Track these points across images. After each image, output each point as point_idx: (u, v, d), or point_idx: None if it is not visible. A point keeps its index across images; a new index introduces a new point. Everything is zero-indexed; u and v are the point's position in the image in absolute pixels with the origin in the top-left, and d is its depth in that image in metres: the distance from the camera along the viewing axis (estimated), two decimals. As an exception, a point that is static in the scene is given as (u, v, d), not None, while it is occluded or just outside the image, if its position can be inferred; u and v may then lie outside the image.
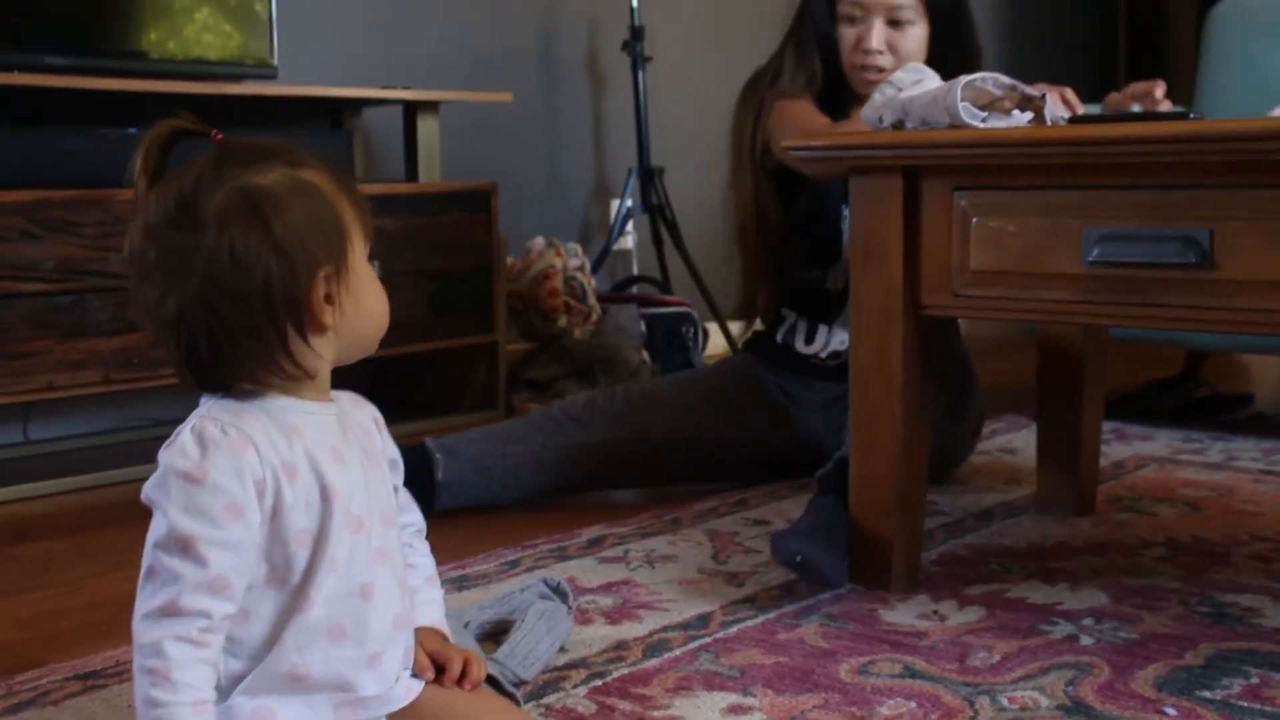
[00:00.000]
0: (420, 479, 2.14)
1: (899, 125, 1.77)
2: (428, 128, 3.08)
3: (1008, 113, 1.73)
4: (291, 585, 1.13)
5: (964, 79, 1.68)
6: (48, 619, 1.72)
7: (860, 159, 1.75)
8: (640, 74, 3.69)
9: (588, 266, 3.37)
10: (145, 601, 1.07)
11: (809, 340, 2.36)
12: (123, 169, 2.44)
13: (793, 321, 2.40)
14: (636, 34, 3.67)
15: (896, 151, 1.71)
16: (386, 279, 2.71)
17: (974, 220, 1.68)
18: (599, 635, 1.63)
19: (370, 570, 1.17)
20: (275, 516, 1.10)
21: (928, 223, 1.73)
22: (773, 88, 2.30)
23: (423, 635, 1.26)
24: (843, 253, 2.30)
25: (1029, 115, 1.73)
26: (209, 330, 1.10)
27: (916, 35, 2.23)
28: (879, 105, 1.79)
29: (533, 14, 3.71)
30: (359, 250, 1.17)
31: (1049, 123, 1.71)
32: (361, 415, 1.25)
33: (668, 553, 1.99)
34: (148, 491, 1.10)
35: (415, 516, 1.34)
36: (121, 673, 1.50)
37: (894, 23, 2.22)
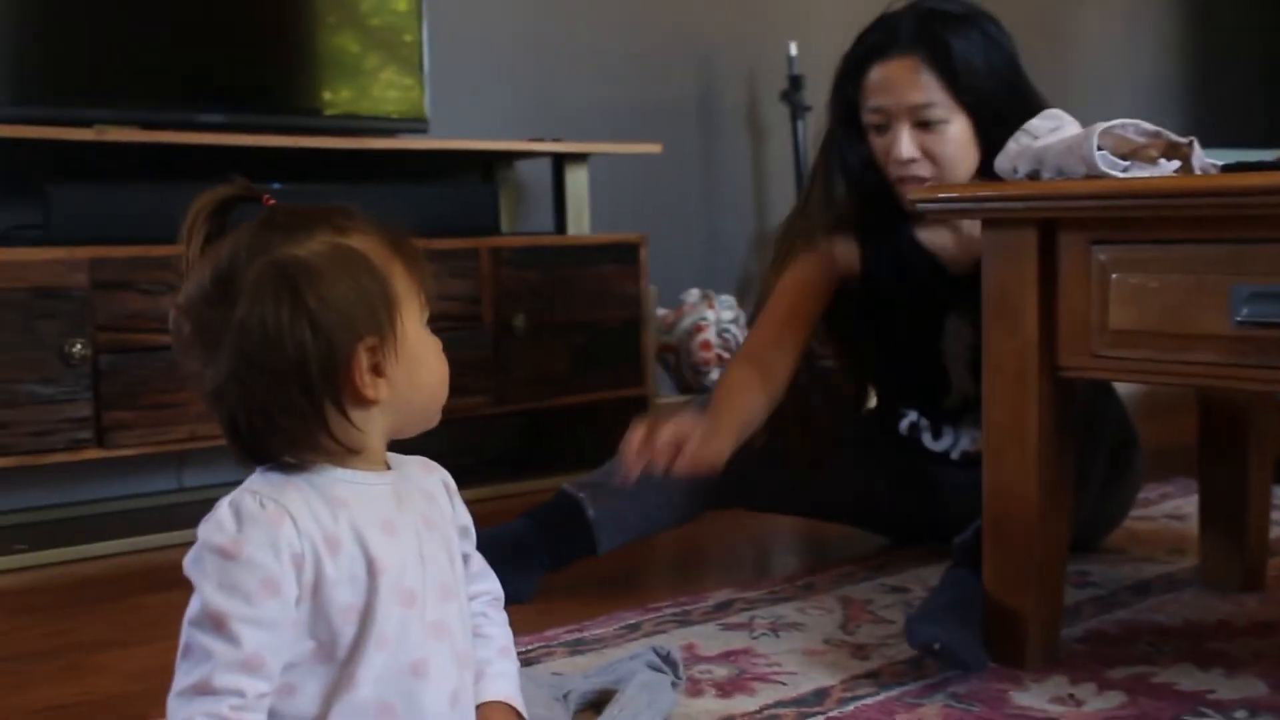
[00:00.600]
0: (571, 525, 2.06)
1: (1034, 175, 1.67)
2: (577, 179, 3.07)
3: (1153, 161, 1.62)
4: (338, 661, 1.10)
5: (1101, 126, 1.58)
6: (162, 673, 1.72)
7: (993, 211, 1.66)
8: (799, 124, 3.63)
9: (742, 319, 3.31)
10: (179, 679, 1.05)
11: (936, 436, 2.23)
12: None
13: (915, 418, 2.25)
14: (795, 83, 3.62)
15: (1030, 203, 1.61)
16: (533, 332, 2.74)
17: (1114, 276, 1.57)
18: (706, 709, 1.56)
19: (424, 646, 1.13)
20: (317, 592, 1.07)
21: (1065, 278, 1.63)
22: (793, 226, 2.14)
23: (491, 711, 1.22)
24: (950, 370, 2.15)
25: (1175, 164, 1.61)
26: (246, 407, 1.07)
27: (954, 133, 1.97)
28: (1013, 155, 1.70)
29: (689, 65, 3.68)
30: (413, 317, 1.13)
31: (1197, 171, 1.60)
32: (429, 482, 1.22)
33: (795, 620, 1.91)
34: (186, 566, 1.08)
35: (490, 585, 1.30)
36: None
37: (923, 124, 1.97)
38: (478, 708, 1.21)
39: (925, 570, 2.15)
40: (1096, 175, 1.58)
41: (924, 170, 1.99)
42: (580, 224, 3.09)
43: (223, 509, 1.07)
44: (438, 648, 1.14)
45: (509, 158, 3.16)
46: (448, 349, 2.68)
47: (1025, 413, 1.66)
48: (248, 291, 1.06)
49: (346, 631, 1.08)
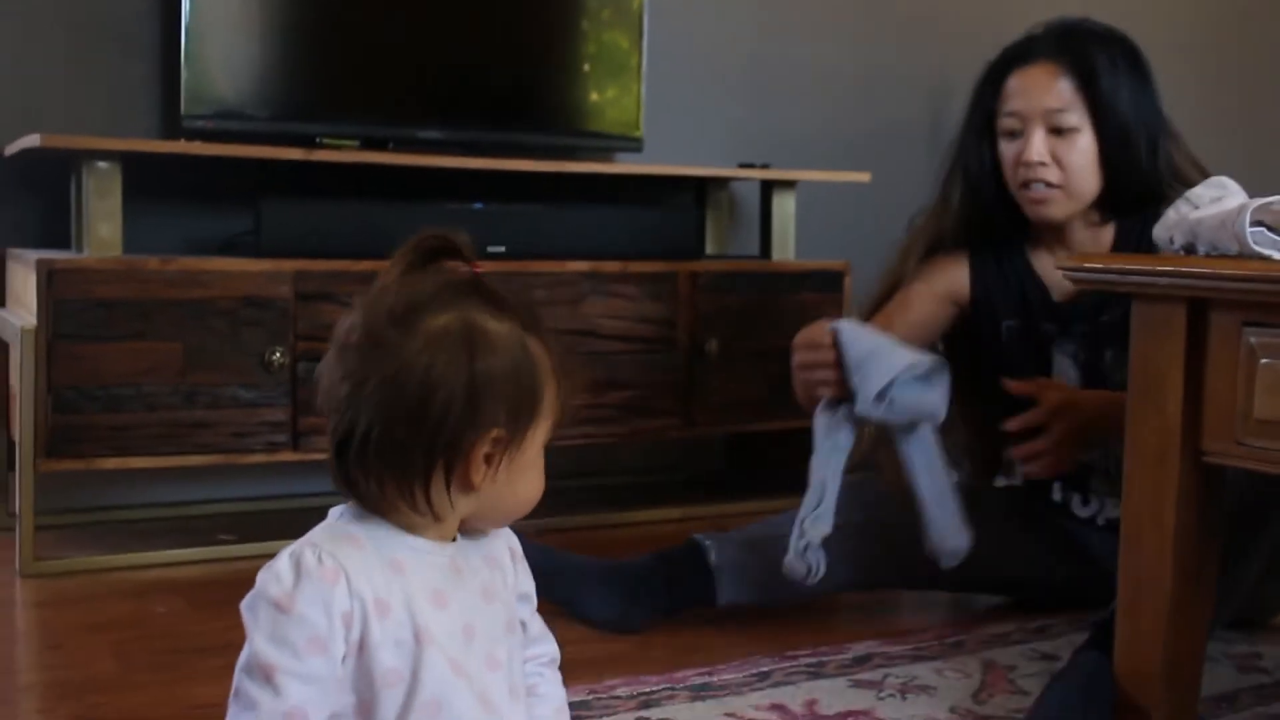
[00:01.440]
0: (693, 570, 2.08)
1: (1190, 248, 1.59)
2: (783, 205, 3.06)
3: (1323, 240, 1.51)
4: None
5: (1258, 201, 1.49)
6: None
7: (1140, 286, 1.58)
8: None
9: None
10: None
11: (1085, 502, 2.14)
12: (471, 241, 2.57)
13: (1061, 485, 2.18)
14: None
15: (1177, 280, 1.53)
16: (727, 356, 2.75)
17: (1262, 362, 1.48)
18: (797, 776, 1.55)
19: (472, 715, 1.14)
20: (361, 651, 1.10)
21: (1213, 360, 1.54)
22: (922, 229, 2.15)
23: (546, 767, 1.24)
24: None
25: (1344, 244, 1.51)
26: (367, 431, 1.10)
27: (1084, 145, 1.99)
28: (1171, 224, 1.62)
29: (917, 90, 3.60)
30: (540, 433, 1.16)
31: (1365, 254, 1.49)
32: (494, 546, 1.23)
33: (929, 682, 1.87)
34: (243, 610, 1.12)
35: (548, 647, 1.31)
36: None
37: (1056, 130, 1.98)
38: (534, 765, 1.24)
39: (1081, 638, 2.06)
40: (1249, 254, 1.49)
41: (1052, 175, 2.00)
42: (785, 249, 3.08)
43: (283, 560, 1.11)
44: (485, 718, 1.17)
45: (721, 181, 3.17)
46: (642, 370, 2.74)
47: (1164, 496, 1.58)
48: (431, 332, 1.09)
49: (387, 695, 1.11)
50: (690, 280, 2.83)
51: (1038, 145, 1.98)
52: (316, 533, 1.15)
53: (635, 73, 3.02)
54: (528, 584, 1.26)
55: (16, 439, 2.39)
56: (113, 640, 2.02)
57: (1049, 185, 2.00)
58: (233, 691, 1.11)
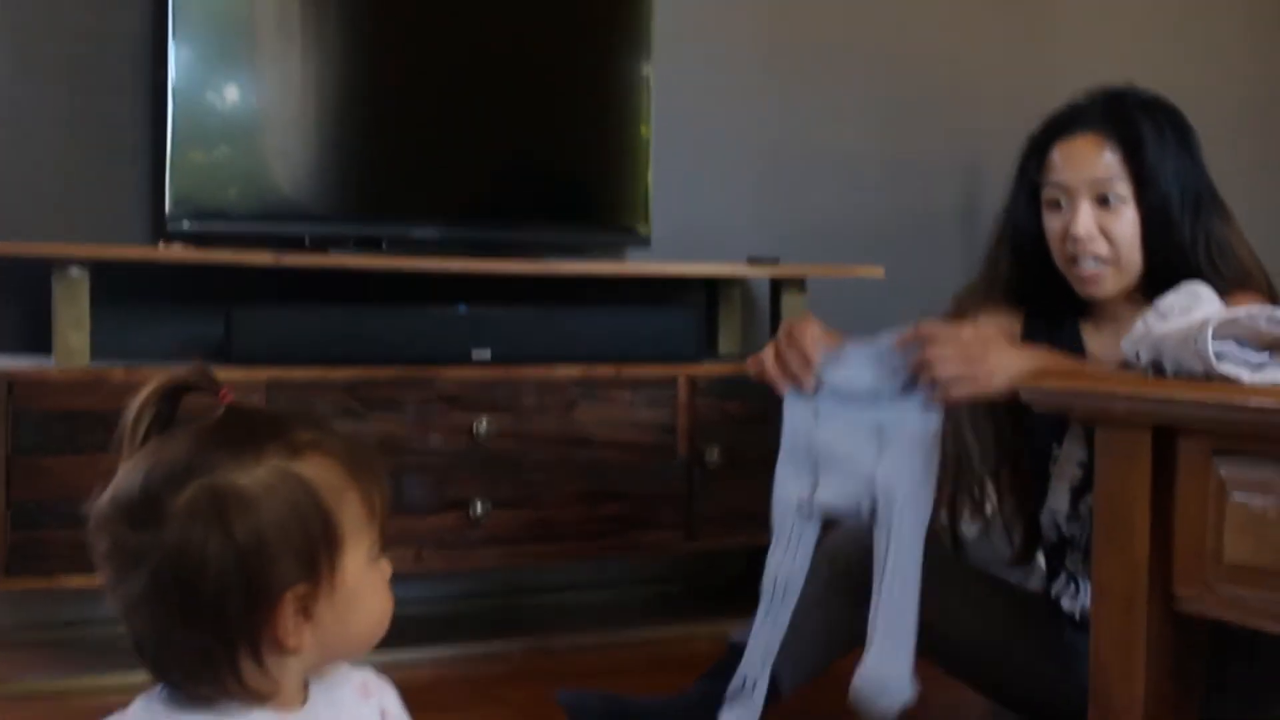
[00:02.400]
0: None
1: (1157, 366, 1.43)
2: (792, 303, 2.93)
3: (1304, 357, 1.35)
4: None
5: (1219, 316, 1.33)
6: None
7: (1097, 412, 1.42)
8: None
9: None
10: None
11: (1075, 595, 1.96)
12: (450, 347, 2.46)
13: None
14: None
15: (1134, 405, 1.37)
16: (729, 465, 2.62)
17: (1233, 497, 1.32)
18: None
19: None
20: None
21: (1182, 494, 1.37)
22: (967, 294, 2.05)
23: None
24: (1054, 486, 1.95)
25: (1330, 363, 1.34)
26: (154, 636, 1.00)
27: (1132, 217, 1.88)
28: (1137, 339, 1.46)
29: (925, 182, 3.46)
30: (358, 554, 1.04)
31: (1349, 375, 1.32)
32: (362, 711, 1.12)
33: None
34: None
35: None
36: None
37: (1103, 202, 1.88)
38: None
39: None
40: (1215, 376, 1.33)
41: (1101, 248, 1.91)
42: (797, 350, 2.93)
43: None
44: None
45: (735, 278, 3.05)
46: (640, 479, 2.57)
47: (1133, 647, 1.41)
48: (176, 516, 0.98)
49: None
50: (690, 384, 2.70)
51: (1084, 219, 1.89)
52: (132, 710, 1.03)
53: (644, 167, 2.92)
54: None
55: (-25, 555, 2.31)
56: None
57: (1098, 260, 1.91)
58: None
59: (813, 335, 1.84)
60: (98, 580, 1.03)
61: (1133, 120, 1.90)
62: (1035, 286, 2.02)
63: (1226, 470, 1.32)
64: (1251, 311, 1.34)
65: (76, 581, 2.31)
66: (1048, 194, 1.94)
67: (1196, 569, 1.36)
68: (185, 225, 2.58)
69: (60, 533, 2.29)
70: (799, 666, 1.92)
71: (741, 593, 3.08)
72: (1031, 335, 2.03)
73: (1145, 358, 1.44)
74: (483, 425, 2.53)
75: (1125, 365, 1.50)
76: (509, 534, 2.56)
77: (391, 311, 2.58)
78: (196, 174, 2.60)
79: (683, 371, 2.70)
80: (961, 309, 2.08)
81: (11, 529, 2.26)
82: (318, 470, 1.02)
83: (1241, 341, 1.36)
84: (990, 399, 1.77)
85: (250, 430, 1.02)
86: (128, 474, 1.01)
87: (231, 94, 2.65)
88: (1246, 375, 1.33)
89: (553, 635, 2.69)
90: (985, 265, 2.09)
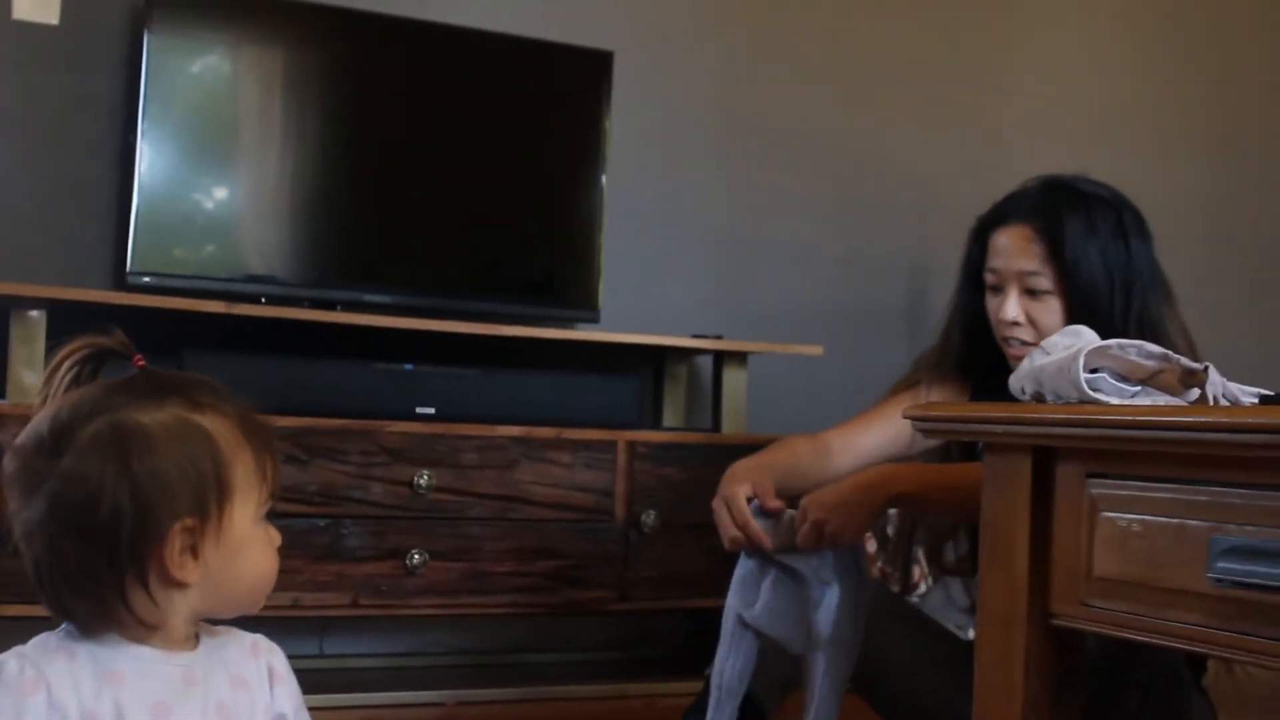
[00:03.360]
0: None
1: (1039, 397, 1.51)
2: (734, 379, 3.02)
3: (1175, 391, 1.44)
4: None
5: (1091, 345, 1.42)
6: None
7: (983, 434, 1.50)
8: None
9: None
10: None
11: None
12: (396, 403, 2.54)
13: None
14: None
15: (1012, 428, 1.45)
16: (666, 530, 2.70)
17: (1101, 515, 1.39)
18: None
19: None
20: None
21: (1060, 514, 1.44)
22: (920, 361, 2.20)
23: None
24: None
25: (1195, 393, 1.43)
26: (49, 559, 1.07)
27: (1056, 307, 2.00)
28: (1023, 374, 1.54)
29: (874, 272, 3.58)
30: (247, 507, 1.12)
31: (1211, 402, 1.40)
32: (250, 667, 1.18)
33: None
34: None
35: None
36: None
37: (1030, 291, 2.00)
38: None
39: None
40: (1088, 401, 1.41)
41: (1027, 335, 2.03)
42: (737, 422, 3.02)
43: None
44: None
45: (682, 352, 3.14)
46: (576, 539, 2.68)
47: (1012, 663, 1.47)
48: (80, 445, 1.06)
49: None
50: (629, 450, 2.78)
51: (1011, 306, 2.02)
52: (31, 643, 1.11)
53: (596, 249, 3.03)
54: (286, 705, 1.20)
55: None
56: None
57: (1023, 343, 2.02)
58: None
59: (740, 505, 1.97)
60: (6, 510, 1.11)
61: (1060, 214, 2.00)
62: (982, 358, 2.13)
63: (1098, 490, 1.40)
64: (1122, 343, 1.43)
65: (14, 610, 2.35)
66: (987, 278, 2.07)
67: (1071, 586, 1.43)
68: (145, 280, 2.66)
69: (4, 562, 2.33)
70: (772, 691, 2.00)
71: (675, 658, 3.15)
72: (979, 397, 2.15)
73: (1029, 390, 1.52)
74: (424, 479, 2.59)
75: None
76: (445, 585, 2.61)
77: (340, 366, 2.66)
78: (160, 233, 2.69)
79: (623, 436, 2.78)
80: (918, 374, 2.22)
81: (-47, 558, 2.30)
82: (215, 425, 1.10)
83: (1117, 375, 1.44)
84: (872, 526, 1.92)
85: (157, 385, 1.11)
86: (44, 413, 1.10)
87: (198, 162, 2.75)
88: (1117, 401, 1.41)
89: (487, 689, 2.73)
90: (940, 338, 2.22)
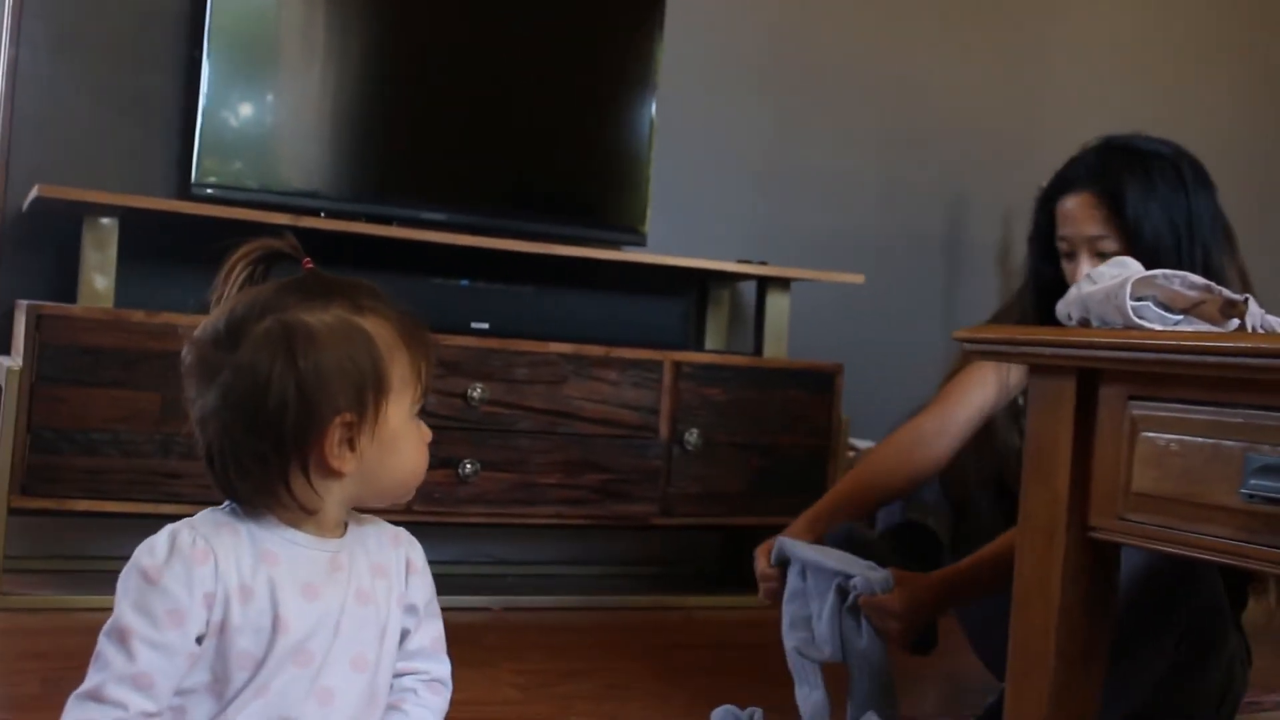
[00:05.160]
0: None
1: (1085, 324, 1.59)
2: (777, 303, 3.09)
3: (1215, 321, 1.51)
4: (224, 699, 1.16)
5: (1140, 274, 1.49)
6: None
7: (1030, 356, 1.58)
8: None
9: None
10: (85, 682, 1.14)
11: None
12: (451, 318, 2.63)
13: None
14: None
15: (1060, 350, 1.53)
16: (707, 448, 2.77)
17: (1141, 435, 1.47)
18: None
19: (302, 707, 1.17)
20: (222, 632, 1.14)
21: (1101, 434, 1.52)
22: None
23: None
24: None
25: (1234, 323, 1.50)
26: (221, 445, 1.16)
27: None
28: (1070, 301, 1.62)
29: (913, 203, 3.65)
30: (401, 405, 1.20)
31: (1250, 332, 1.48)
32: (390, 556, 1.26)
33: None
34: (119, 579, 1.16)
35: (431, 665, 1.32)
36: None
37: (1100, 255, 2.02)
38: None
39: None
40: (1133, 326, 1.49)
41: None
42: (778, 347, 3.10)
43: (162, 536, 1.16)
44: (318, 711, 1.18)
45: (725, 277, 3.21)
46: (621, 455, 2.76)
47: (1050, 571, 1.56)
48: (252, 341, 1.15)
49: (238, 676, 1.15)
50: (675, 369, 2.86)
51: (1084, 270, 2.01)
52: (200, 516, 1.19)
53: (645, 173, 3.09)
54: (419, 597, 1.28)
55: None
56: (47, 667, 2.07)
57: None
58: (94, 655, 1.15)
59: (762, 552, 2.01)
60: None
61: (1119, 176, 2.03)
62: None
63: (1139, 411, 1.48)
64: (1167, 273, 1.50)
65: (84, 505, 2.46)
66: (1060, 245, 2.10)
67: (1109, 501, 1.51)
68: (209, 193, 2.74)
69: (74, 459, 2.44)
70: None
71: (713, 574, 3.26)
72: None
73: (1076, 316, 1.60)
74: (477, 392, 2.68)
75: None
76: (495, 494, 2.71)
77: (398, 281, 2.75)
78: (223, 148, 2.77)
79: (669, 356, 2.86)
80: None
81: (30, 452, 2.41)
82: (375, 326, 1.18)
83: (1161, 304, 1.51)
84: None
85: (324, 287, 1.19)
86: (219, 311, 1.18)
87: (260, 77, 2.82)
88: (1159, 328, 1.48)
89: (532, 597, 2.84)
90: (1015, 305, 2.24)
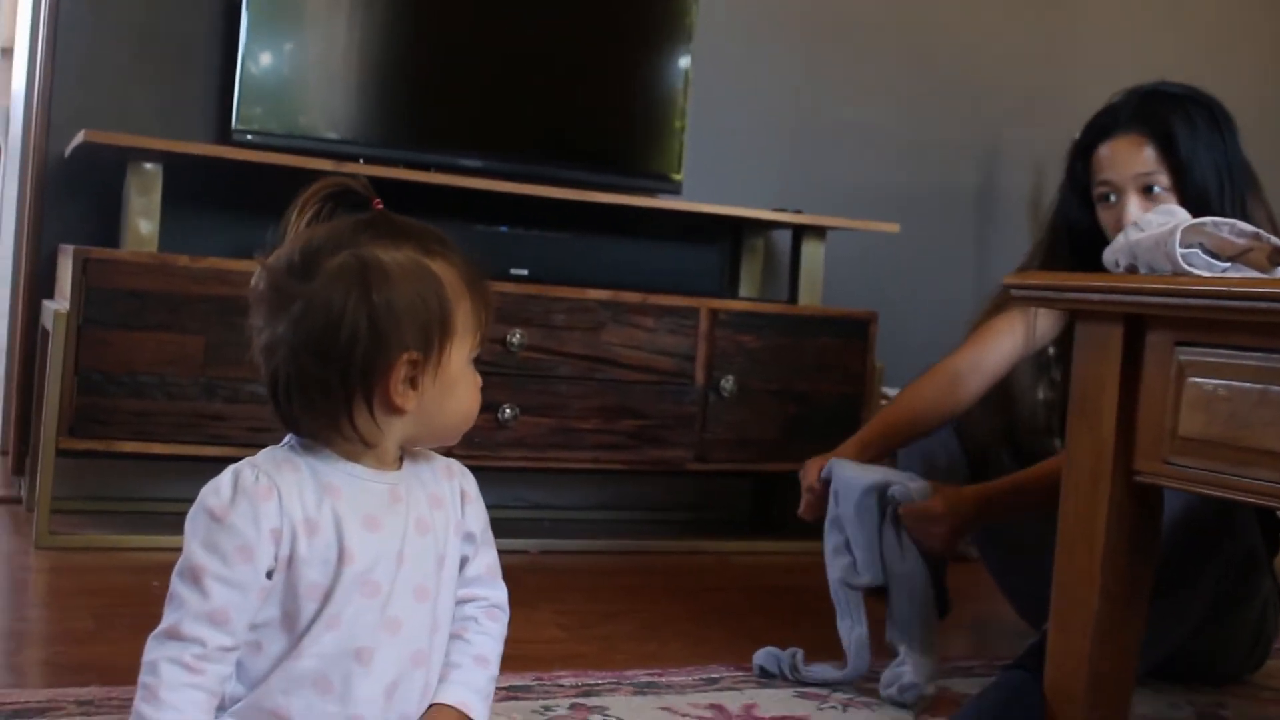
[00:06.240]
0: None
1: (1133, 270, 1.60)
2: (813, 252, 3.10)
3: (1263, 268, 1.52)
4: (296, 632, 1.20)
5: (1188, 222, 1.51)
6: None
7: (1078, 302, 1.60)
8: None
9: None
10: (162, 622, 1.17)
11: None
12: (490, 263, 2.65)
13: None
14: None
15: (1109, 296, 1.55)
16: (742, 395, 2.79)
17: (1189, 380, 1.49)
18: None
19: (374, 636, 1.21)
20: (290, 566, 1.17)
21: (1148, 379, 1.55)
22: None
23: (440, 713, 1.27)
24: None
25: (1281, 270, 1.51)
26: (288, 374, 1.18)
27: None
28: (1117, 248, 1.63)
29: (943, 155, 3.64)
30: (462, 349, 1.22)
31: (1297, 279, 1.49)
32: (444, 487, 1.30)
33: (872, 701, 1.87)
34: (186, 521, 1.19)
35: (490, 592, 1.36)
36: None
37: (1148, 190, 2.02)
38: (430, 706, 1.28)
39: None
40: (1181, 274, 1.50)
41: None
42: (813, 295, 3.11)
43: (226, 476, 1.19)
44: (389, 640, 1.22)
45: (760, 225, 3.23)
46: (657, 401, 2.78)
47: (1095, 513, 1.58)
48: (327, 273, 1.17)
49: (308, 608, 1.18)
50: (711, 317, 2.88)
51: (1134, 209, 2.03)
52: (261, 454, 1.22)
53: (680, 121, 3.10)
54: (475, 525, 1.32)
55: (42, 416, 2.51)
56: (99, 604, 2.11)
57: None
58: (168, 595, 1.18)
59: (813, 464, 2.07)
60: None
61: (1165, 117, 2.04)
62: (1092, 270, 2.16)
63: (1186, 357, 1.50)
64: (1216, 221, 1.52)
65: (130, 446, 2.50)
66: (1098, 191, 2.08)
67: (1155, 446, 1.53)
68: (249, 139, 2.76)
69: (121, 401, 2.48)
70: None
71: (746, 520, 3.29)
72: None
73: (1124, 263, 1.61)
74: (516, 337, 2.71)
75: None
76: (534, 439, 2.75)
77: (438, 226, 2.75)
78: (263, 94, 2.79)
79: (705, 304, 2.88)
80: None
81: (78, 394, 2.45)
82: (443, 270, 1.20)
83: (1209, 252, 1.53)
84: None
85: (396, 228, 1.21)
86: (293, 242, 1.20)
87: (300, 23, 2.83)
88: (1208, 274, 1.50)
89: (568, 540, 2.88)
90: (1044, 254, 2.21)
